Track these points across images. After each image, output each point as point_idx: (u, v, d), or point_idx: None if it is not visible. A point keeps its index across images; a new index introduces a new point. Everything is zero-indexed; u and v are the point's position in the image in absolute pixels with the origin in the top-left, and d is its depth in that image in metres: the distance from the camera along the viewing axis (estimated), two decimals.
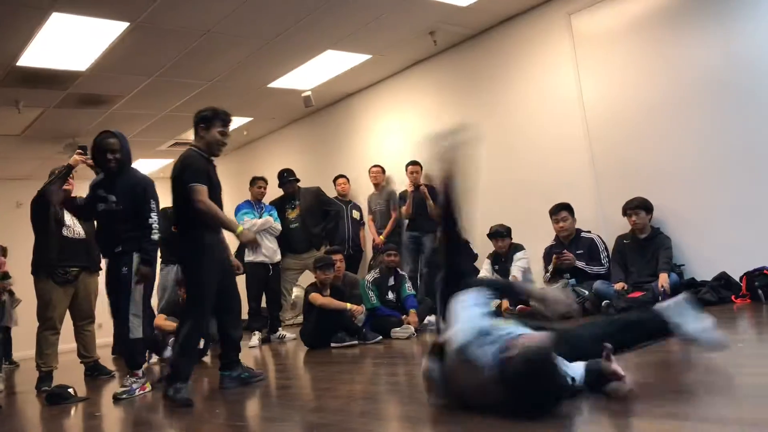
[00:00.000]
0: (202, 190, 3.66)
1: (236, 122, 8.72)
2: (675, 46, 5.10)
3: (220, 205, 3.80)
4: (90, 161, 4.52)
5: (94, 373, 5.39)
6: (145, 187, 4.16)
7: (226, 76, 6.82)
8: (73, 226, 5.08)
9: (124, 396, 3.95)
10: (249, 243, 4.01)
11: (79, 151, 4.69)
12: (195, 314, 3.68)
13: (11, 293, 7.75)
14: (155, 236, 4.09)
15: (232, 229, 3.85)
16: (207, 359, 5.67)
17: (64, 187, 4.80)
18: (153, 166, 10.74)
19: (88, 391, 4.61)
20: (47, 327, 4.94)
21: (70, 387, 4.23)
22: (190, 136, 9.04)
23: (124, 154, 4.13)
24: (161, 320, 5.65)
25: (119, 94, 6.98)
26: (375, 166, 7.44)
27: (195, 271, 3.70)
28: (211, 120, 3.83)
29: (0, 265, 7.73)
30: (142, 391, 4.07)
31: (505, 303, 5.50)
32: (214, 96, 7.39)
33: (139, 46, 5.73)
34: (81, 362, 5.51)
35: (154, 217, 4.10)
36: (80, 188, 5.28)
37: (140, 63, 6.17)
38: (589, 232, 5.48)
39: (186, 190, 3.65)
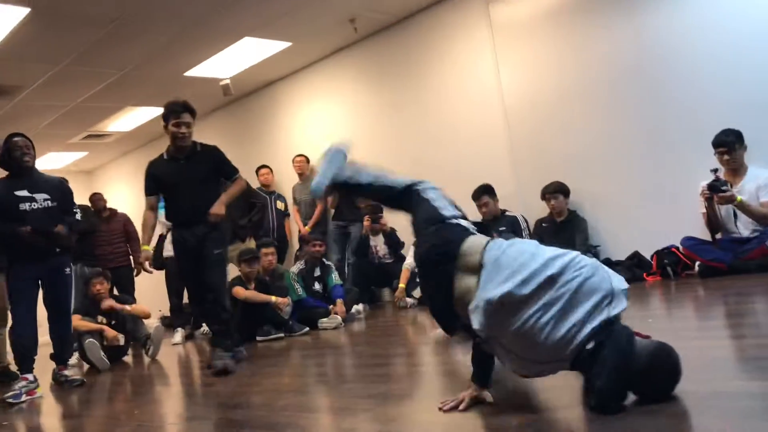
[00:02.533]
0: (146, 201, 4.14)
1: (152, 113, 8.43)
2: (589, 36, 5.26)
3: (188, 197, 4.02)
4: None
5: (3, 379, 5.10)
6: (65, 182, 4.34)
7: (140, 64, 6.55)
8: None
9: (10, 399, 3.94)
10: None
11: None
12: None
13: None
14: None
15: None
16: (128, 359, 5.47)
17: None
18: (65, 159, 10.24)
19: None
20: None
21: None
22: (103, 127, 8.72)
23: (34, 153, 4.20)
24: (77, 320, 5.39)
25: (23, 85, 6.58)
26: (299, 155, 7.35)
27: None
28: (165, 117, 3.99)
29: None
30: (29, 396, 3.99)
31: (402, 286, 5.76)
32: (128, 85, 7.11)
33: (44, 33, 5.41)
34: None
35: (77, 211, 4.34)
36: None
37: (45, 51, 5.83)
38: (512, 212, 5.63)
39: None
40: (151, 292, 7.57)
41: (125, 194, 10.20)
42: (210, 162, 4.11)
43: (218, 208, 3.96)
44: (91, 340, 4.99)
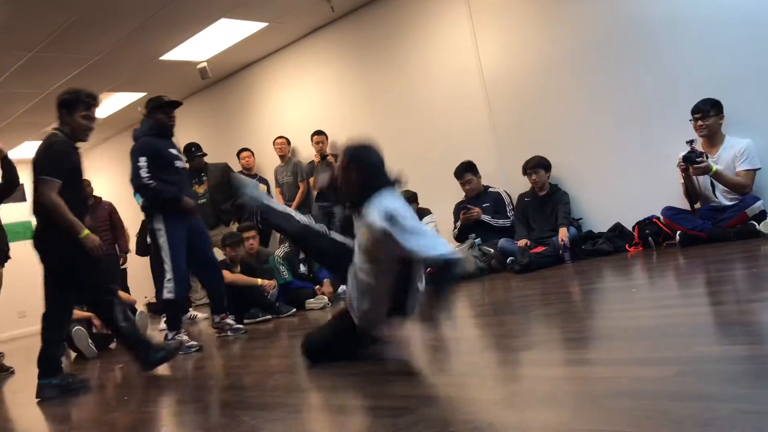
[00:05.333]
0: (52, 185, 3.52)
1: (129, 98, 8.32)
2: (565, 8, 5.25)
3: (82, 195, 3.72)
4: None
5: None
6: None
7: (114, 49, 6.44)
8: None
9: None
10: (93, 248, 3.55)
11: None
12: None
13: None
14: None
15: (75, 232, 3.51)
16: (113, 345, 5.45)
17: None
18: None
19: None
20: None
21: None
22: None
23: None
24: None
25: None
26: (279, 137, 7.30)
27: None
28: (73, 104, 3.63)
29: None
30: None
31: None
32: (103, 71, 6.99)
33: (15, 19, 5.29)
34: None
35: None
36: None
37: (18, 37, 5.70)
38: (495, 187, 5.66)
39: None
40: (138, 279, 7.54)
41: (108, 181, 10.09)
42: None
43: None
44: (79, 327, 4.98)
